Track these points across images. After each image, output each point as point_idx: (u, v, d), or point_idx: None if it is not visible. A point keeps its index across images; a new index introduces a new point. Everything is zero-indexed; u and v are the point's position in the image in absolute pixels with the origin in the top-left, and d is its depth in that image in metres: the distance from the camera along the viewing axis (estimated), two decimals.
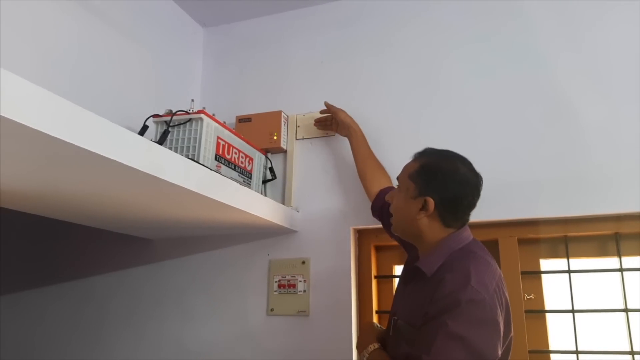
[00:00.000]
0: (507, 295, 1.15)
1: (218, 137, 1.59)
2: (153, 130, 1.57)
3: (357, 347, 1.36)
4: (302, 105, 2.01)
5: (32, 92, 0.85)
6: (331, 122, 1.88)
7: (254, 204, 1.57)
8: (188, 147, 1.49)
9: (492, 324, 1.05)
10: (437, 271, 1.15)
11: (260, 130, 1.95)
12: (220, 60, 2.26)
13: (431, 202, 1.17)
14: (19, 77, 0.81)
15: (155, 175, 1.13)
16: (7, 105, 0.78)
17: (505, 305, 1.11)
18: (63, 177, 1.15)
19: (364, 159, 1.72)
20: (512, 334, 1.15)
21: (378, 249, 1.85)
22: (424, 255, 1.23)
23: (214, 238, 1.97)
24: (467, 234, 1.22)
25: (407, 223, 1.24)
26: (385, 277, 1.82)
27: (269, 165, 1.95)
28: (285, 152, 1.98)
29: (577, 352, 1.54)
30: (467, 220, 1.24)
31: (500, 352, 1.07)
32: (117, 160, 1.01)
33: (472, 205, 1.22)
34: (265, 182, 1.93)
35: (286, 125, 1.98)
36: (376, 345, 1.26)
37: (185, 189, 1.24)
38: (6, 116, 0.78)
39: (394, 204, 1.29)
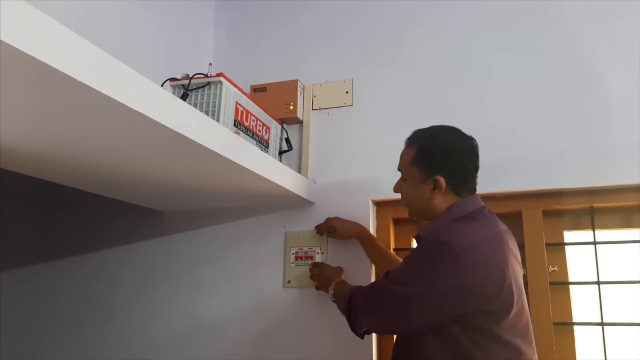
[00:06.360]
0: (510, 261, 1.12)
1: (237, 103, 1.54)
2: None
3: (323, 287, 1.56)
4: (318, 75, 1.96)
5: (61, 34, 0.80)
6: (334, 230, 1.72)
7: (275, 171, 1.52)
8: (207, 112, 1.44)
9: (453, 274, 1.07)
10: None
11: (275, 100, 1.90)
12: (232, 30, 2.19)
13: (442, 180, 1.21)
14: (50, 17, 0.77)
15: (180, 132, 1.08)
16: (34, 44, 0.74)
17: (499, 268, 1.09)
18: (79, 131, 1.09)
19: (379, 260, 1.65)
20: (521, 304, 1.13)
21: (397, 221, 1.81)
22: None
23: (228, 211, 1.92)
24: (473, 202, 1.23)
25: (423, 206, 1.26)
26: (403, 250, 1.78)
27: (285, 136, 1.91)
28: (301, 122, 1.93)
29: (602, 324, 1.51)
30: (476, 184, 1.26)
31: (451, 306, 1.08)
32: (142, 112, 0.97)
33: (476, 168, 1.26)
34: (281, 153, 1.88)
35: (302, 95, 1.93)
36: (340, 278, 1.53)
37: (209, 149, 1.19)
38: (33, 55, 0.74)
39: (404, 193, 1.31)
